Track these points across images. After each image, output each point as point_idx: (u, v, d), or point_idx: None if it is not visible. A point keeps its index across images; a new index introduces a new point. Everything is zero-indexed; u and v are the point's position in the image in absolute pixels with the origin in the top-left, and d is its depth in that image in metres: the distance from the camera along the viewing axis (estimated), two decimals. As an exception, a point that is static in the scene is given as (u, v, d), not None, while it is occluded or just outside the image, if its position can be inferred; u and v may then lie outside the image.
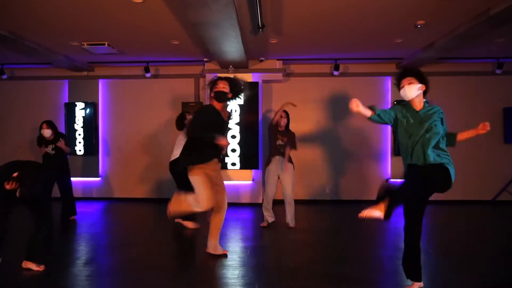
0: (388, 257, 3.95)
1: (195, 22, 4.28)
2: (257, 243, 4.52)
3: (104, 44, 5.78)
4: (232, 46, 5.40)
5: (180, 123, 5.26)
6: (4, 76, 7.31)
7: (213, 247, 3.90)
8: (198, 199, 3.52)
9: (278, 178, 5.21)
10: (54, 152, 5.53)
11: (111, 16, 4.75)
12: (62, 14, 4.67)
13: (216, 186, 3.75)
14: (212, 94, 3.69)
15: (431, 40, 5.65)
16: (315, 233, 5.01)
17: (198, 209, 3.54)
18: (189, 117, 5.15)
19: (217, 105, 3.70)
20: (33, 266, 3.49)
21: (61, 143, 5.48)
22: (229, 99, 3.74)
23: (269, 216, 5.29)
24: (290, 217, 5.22)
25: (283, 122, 5.17)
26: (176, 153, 4.94)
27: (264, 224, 5.31)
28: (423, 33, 5.32)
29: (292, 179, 5.18)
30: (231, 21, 4.32)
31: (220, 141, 3.47)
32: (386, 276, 3.42)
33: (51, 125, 5.56)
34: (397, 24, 5.02)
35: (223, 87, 3.64)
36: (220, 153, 3.76)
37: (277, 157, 5.13)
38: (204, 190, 3.52)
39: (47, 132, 5.48)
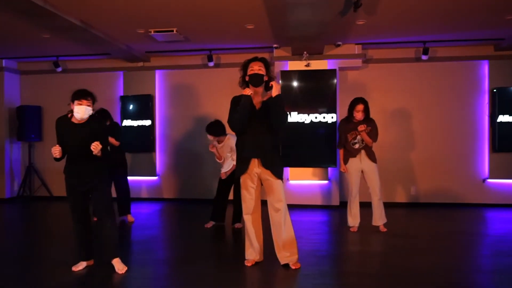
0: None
1: (290, 2, 4.19)
2: (354, 248, 4.41)
3: (172, 31, 5.79)
4: (317, 29, 5.30)
5: None
6: (59, 69, 7.50)
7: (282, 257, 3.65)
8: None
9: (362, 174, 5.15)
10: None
11: (186, 2, 4.75)
12: (134, 0, 4.71)
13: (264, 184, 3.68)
14: (247, 78, 3.59)
15: (550, 15, 5.31)
16: (415, 238, 4.82)
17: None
18: None
19: (251, 90, 3.55)
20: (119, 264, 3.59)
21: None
22: (266, 83, 3.61)
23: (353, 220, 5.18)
24: (379, 219, 5.09)
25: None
26: None
27: (355, 229, 5.19)
28: (544, 7, 5.00)
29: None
30: (329, 1, 4.21)
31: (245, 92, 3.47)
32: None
33: (102, 113, 5.43)
34: (515, -3, 4.73)
35: (259, 68, 3.53)
36: (257, 151, 3.55)
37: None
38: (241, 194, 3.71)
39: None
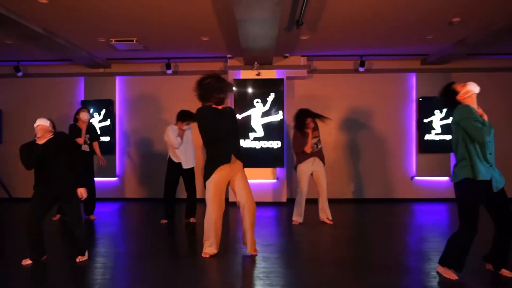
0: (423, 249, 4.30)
1: (240, 19, 4.59)
2: (300, 238, 4.87)
3: (132, 41, 6.05)
4: (265, 43, 5.72)
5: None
6: (19, 74, 7.48)
7: (248, 247, 4.06)
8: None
9: (311, 175, 5.60)
10: (89, 145, 5.87)
11: (145, 15, 5.07)
12: (96, 11, 4.95)
13: (236, 183, 3.98)
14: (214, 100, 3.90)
15: (463, 36, 6.03)
16: (353, 229, 5.41)
17: (207, 216, 3.92)
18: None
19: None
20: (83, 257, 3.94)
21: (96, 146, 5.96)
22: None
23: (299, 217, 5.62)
24: (324, 213, 5.60)
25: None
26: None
27: (296, 222, 5.62)
28: (456, 29, 5.70)
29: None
30: (275, 19, 4.65)
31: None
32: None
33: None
34: (431, 21, 5.37)
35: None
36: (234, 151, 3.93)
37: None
38: (211, 196, 3.88)
39: (86, 116, 5.84)
